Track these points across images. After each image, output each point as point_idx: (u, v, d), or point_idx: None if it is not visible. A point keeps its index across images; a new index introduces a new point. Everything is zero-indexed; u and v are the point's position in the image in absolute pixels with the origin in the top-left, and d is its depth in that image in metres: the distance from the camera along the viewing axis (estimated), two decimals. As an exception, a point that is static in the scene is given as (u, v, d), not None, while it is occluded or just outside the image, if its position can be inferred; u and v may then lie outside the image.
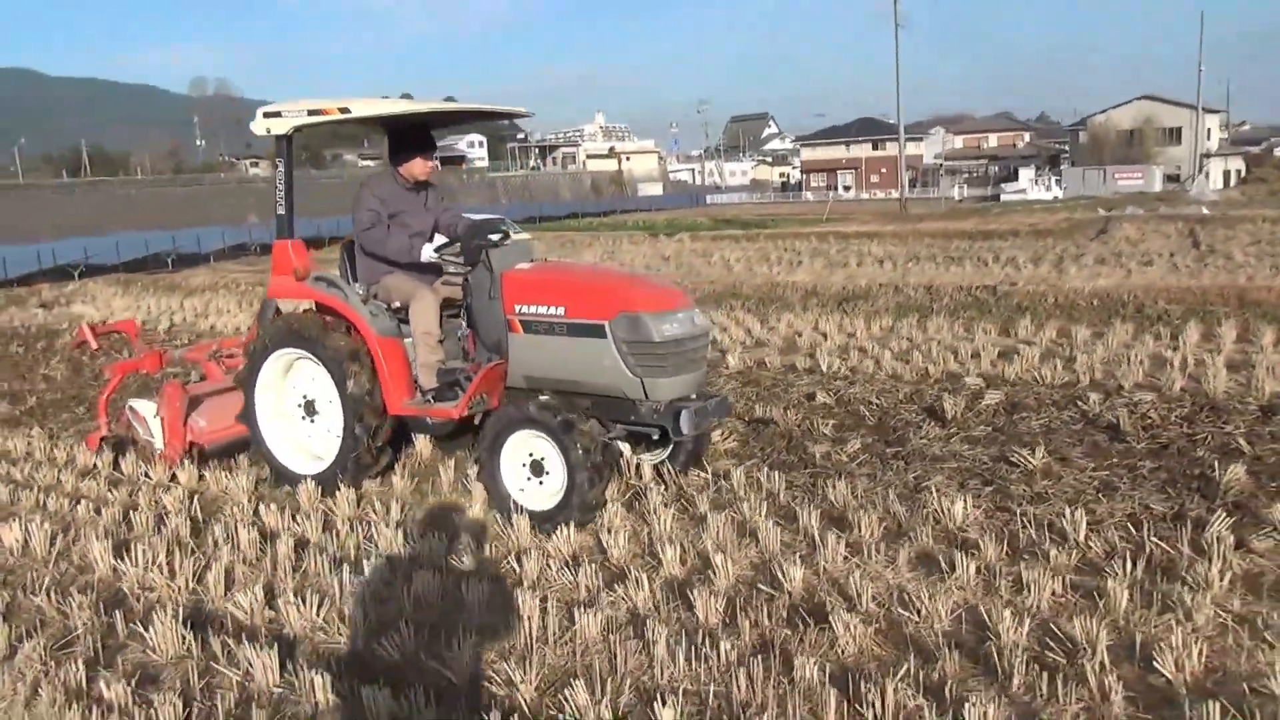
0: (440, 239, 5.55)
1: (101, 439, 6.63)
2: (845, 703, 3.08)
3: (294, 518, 5.10)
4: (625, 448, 5.51)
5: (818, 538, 4.35)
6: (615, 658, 3.44)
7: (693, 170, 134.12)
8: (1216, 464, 4.98)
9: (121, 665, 3.59)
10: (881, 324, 10.09)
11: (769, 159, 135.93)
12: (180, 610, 3.95)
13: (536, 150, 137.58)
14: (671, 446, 5.45)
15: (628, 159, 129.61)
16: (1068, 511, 4.42)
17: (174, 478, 5.91)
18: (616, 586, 4.02)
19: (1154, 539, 4.18)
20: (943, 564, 4.04)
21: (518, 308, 5.01)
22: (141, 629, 3.80)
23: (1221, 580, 3.72)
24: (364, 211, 5.50)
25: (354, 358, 5.33)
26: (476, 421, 5.34)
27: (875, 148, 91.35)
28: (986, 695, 3.08)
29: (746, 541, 4.45)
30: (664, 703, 3.01)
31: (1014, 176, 76.10)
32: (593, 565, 4.22)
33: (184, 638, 3.73)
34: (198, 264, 31.50)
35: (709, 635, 3.55)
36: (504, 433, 4.91)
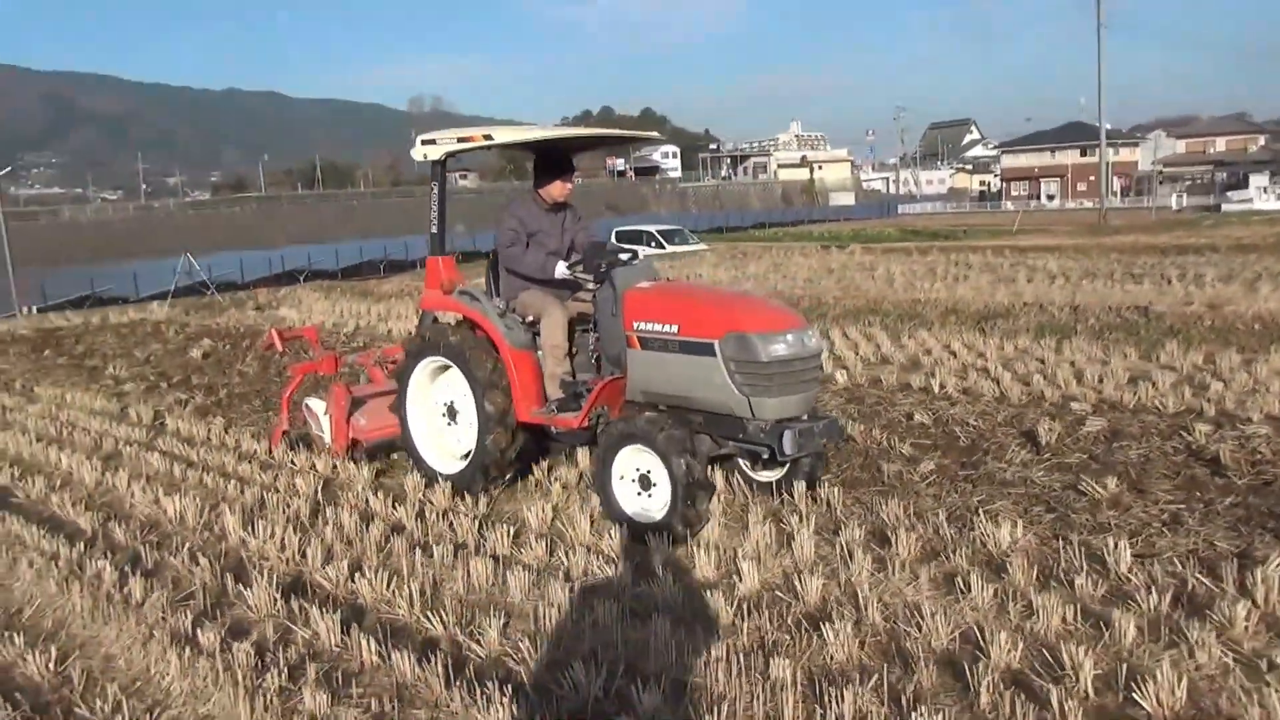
0: (575, 256, 5.89)
1: (284, 433, 7.30)
2: (806, 701, 3.30)
3: (394, 505, 5.73)
4: (745, 465, 5.66)
5: (850, 552, 4.52)
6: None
7: (887, 179, 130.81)
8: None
9: (221, 619, 4.26)
10: (1017, 344, 9.83)
11: (968, 167, 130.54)
12: (279, 577, 4.63)
13: (728, 160, 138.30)
14: (787, 466, 5.46)
15: (819, 168, 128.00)
16: (1111, 542, 4.38)
17: (313, 465, 6.71)
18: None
19: (1198, 575, 4.09)
20: (966, 585, 4.12)
21: (636, 324, 5.21)
22: (246, 590, 4.49)
23: (1247, 620, 3.64)
24: (506, 231, 5.87)
25: (489, 369, 5.65)
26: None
27: (1083, 154, 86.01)
28: (948, 711, 3.21)
29: (784, 551, 4.67)
30: None
31: (1243, 184, 69.70)
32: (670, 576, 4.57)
33: (275, 600, 4.39)
34: (405, 270, 33.89)
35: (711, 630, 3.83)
36: (614, 447, 5.11)
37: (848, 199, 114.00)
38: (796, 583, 4.21)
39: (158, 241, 56.32)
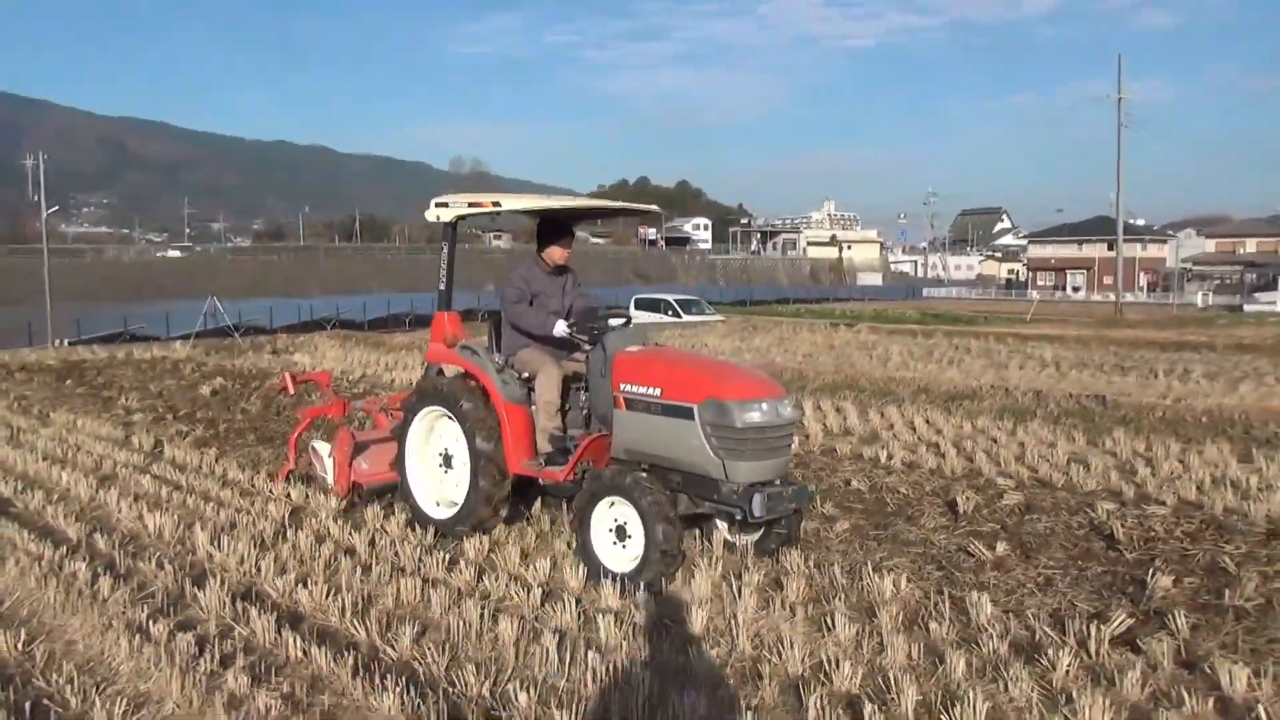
0: (574, 319, 6.15)
1: (289, 471, 7.62)
2: (662, 702, 3.77)
3: (351, 532, 6.27)
4: (723, 526, 5.91)
5: (740, 592, 4.99)
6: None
7: (915, 262, 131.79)
8: (1151, 574, 5.17)
9: (173, 615, 4.80)
10: (976, 424, 10.29)
11: (998, 254, 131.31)
12: (233, 585, 5.18)
13: (759, 235, 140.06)
14: (762, 529, 5.70)
15: (849, 248, 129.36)
16: (975, 596, 4.83)
17: (287, 495, 7.28)
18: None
19: (1046, 628, 4.54)
20: (832, 624, 4.58)
21: (623, 386, 5.47)
22: (199, 591, 5.03)
23: (1069, 666, 4.07)
24: (512, 289, 6.25)
25: (483, 420, 5.92)
26: None
27: (1109, 248, 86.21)
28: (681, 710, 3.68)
29: (685, 586, 5.16)
30: None
31: (1272, 285, 69.74)
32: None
33: (225, 603, 4.92)
34: (429, 325, 34.68)
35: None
36: (592, 499, 5.40)
37: (875, 279, 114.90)
38: (685, 613, 4.69)
39: (194, 284, 57.96)
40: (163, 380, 14.64)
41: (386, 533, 6.29)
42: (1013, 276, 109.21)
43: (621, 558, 5.29)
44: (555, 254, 6.38)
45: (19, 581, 5.40)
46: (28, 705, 3.85)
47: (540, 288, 6.32)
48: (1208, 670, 4.06)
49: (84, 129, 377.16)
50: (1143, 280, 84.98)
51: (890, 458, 8.54)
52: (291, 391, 8.80)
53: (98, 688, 4.02)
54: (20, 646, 4.47)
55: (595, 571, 5.32)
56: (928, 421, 10.44)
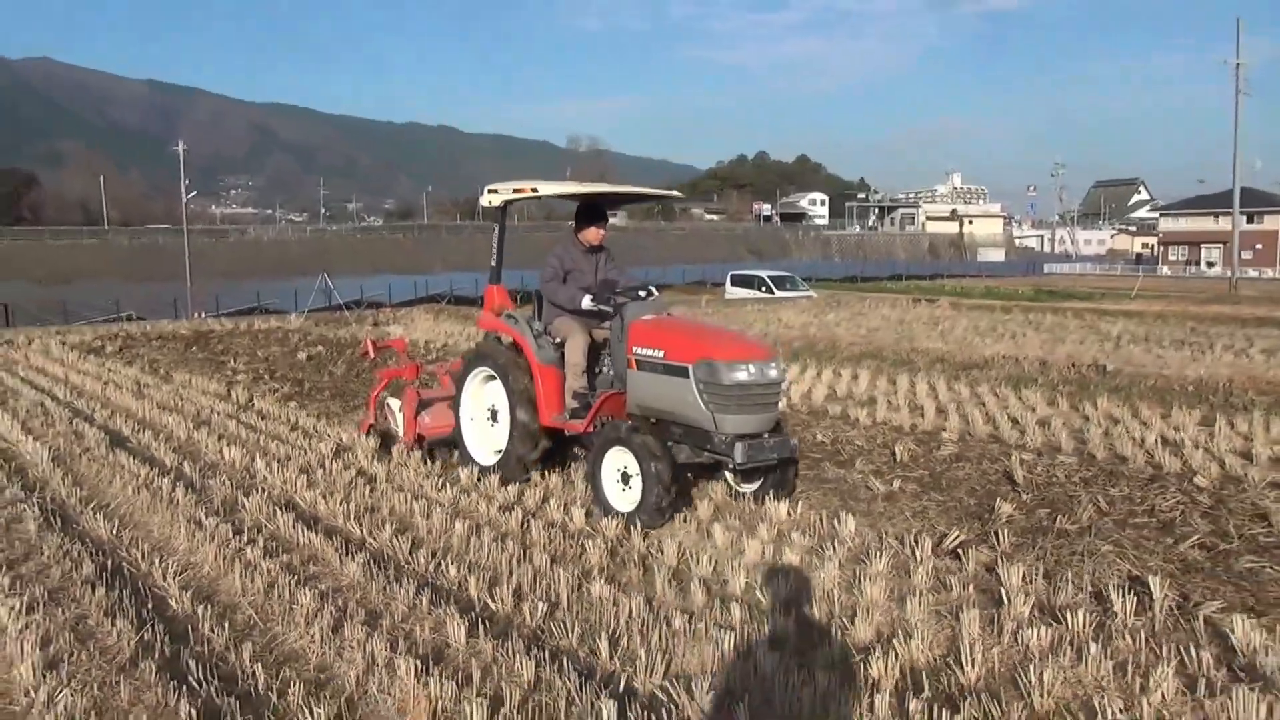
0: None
1: (370, 425, 8.56)
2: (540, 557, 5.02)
3: (375, 463, 7.72)
4: (730, 478, 6.70)
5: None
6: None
7: (1042, 236, 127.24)
8: (999, 501, 6.10)
9: (224, 515, 6.32)
10: (974, 389, 11.05)
11: (1133, 228, 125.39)
12: (274, 497, 6.69)
13: (875, 210, 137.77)
14: (761, 478, 6.40)
15: (970, 222, 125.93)
16: (843, 516, 5.87)
17: (340, 438, 8.80)
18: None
19: (892, 540, 5.55)
20: (709, 533, 5.71)
21: (635, 349, 6.19)
22: (245, 500, 6.55)
23: (892, 563, 5.10)
24: (548, 268, 6.97)
25: (522, 379, 6.77)
26: None
27: (1250, 220, 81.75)
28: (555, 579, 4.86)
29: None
30: None
31: None
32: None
33: (263, 508, 6.42)
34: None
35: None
36: (601, 448, 6.17)
37: (997, 255, 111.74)
38: (600, 523, 5.91)
39: (324, 263, 61.74)
40: (269, 347, 16.67)
41: (406, 466, 7.71)
42: (1146, 251, 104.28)
43: (625, 499, 6.03)
44: (591, 235, 7.09)
45: (121, 492, 7.05)
46: (109, 565, 5.38)
47: (574, 265, 7.03)
48: (998, 574, 5.01)
49: (234, 115, 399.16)
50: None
51: (871, 416, 9.48)
52: (373, 355, 10.13)
53: (160, 557, 5.52)
54: (115, 532, 6.05)
55: (605, 511, 6.06)
56: (931, 387, 11.26)
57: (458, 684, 3.76)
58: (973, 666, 3.90)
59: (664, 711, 3.55)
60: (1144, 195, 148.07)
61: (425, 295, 44.59)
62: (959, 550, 5.40)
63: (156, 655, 4.12)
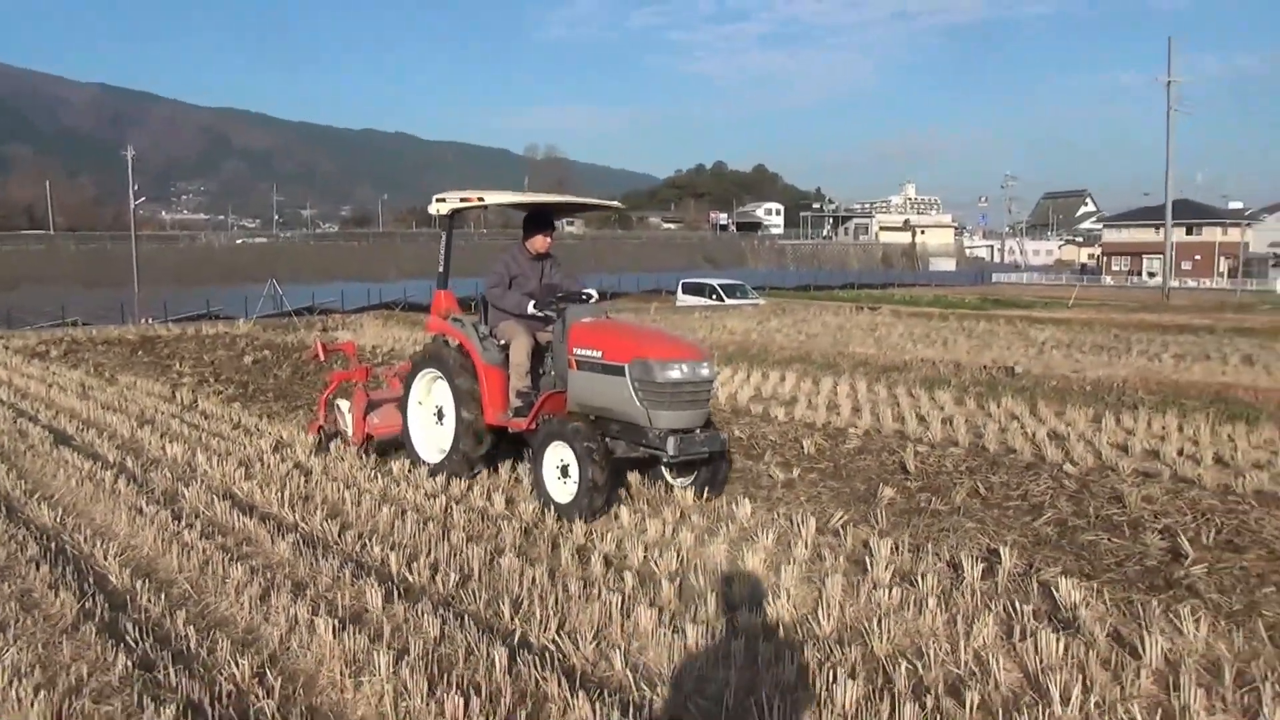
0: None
1: (320, 428, 8.70)
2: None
3: (311, 457, 8.13)
4: (667, 473, 7.05)
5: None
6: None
7: (992, 247, 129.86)
8: (882, 486, 6.69)
9: (163, 504, 6.70)
10: (892, 390, 11.70)
11: (1079, 239, 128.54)
12: (213, 488, 7.08)
13: (830, 220, 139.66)
14: (695, 473, 6.72)
15: (922, 232, 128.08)
16: (741, 499, 6.41)
17: (279, 435, 9.18)
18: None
19: (787, 520, 6.10)
20: (618, 513, 6.22)
21: (575, 350, 6.50)
22: (185, 490, 6.94)
23: (770, 538, 5.64)
24: (493, 274, 7.25)
25: (467, 380, 7.02)
26: None
27: (1189, 232, 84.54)
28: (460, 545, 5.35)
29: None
30: None
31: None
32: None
33: (201, 496, 6.81)
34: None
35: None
36: (542, 444, 6.46)
37: (949, 264, 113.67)
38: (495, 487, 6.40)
39: (275, 270, 61.32)
40: (216, 352, 16.93)
41: (342, 460, 8.13)
42: (1091, 262, 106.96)
43: (564, 491, 6.30)
44: (537, 243, 7.38)
45: (66, 484, 7.40)
46: (53, 547, 5.75)
47: (520, 271, 7.32)
48: (870, 547, 5.56)
49: (187, 119, 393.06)
50: (1223, 265, 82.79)
51: (788, 413, 10.06)
52: (323, 358, 10.44)
53: (101, 540, 5.89)
54: (59, 519, 6.41)
55: (545, 503, 6.35)
56: (852, 388, 11.89)
57: (369, 639, 4.22)
58: (829, 620, 4.45)
59: (551, 659, 4.04)
60: (1091, 207, 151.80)
61: (379, 302, 44.64)
62: (840, 528, 5.97)
63: (96, 620, 4.53)
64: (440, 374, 7.41)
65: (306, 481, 7.31)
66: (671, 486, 6.91)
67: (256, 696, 3.79)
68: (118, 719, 3.65)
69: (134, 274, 44.84)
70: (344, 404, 8.63)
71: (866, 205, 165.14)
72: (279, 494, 6.84)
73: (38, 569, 5.25)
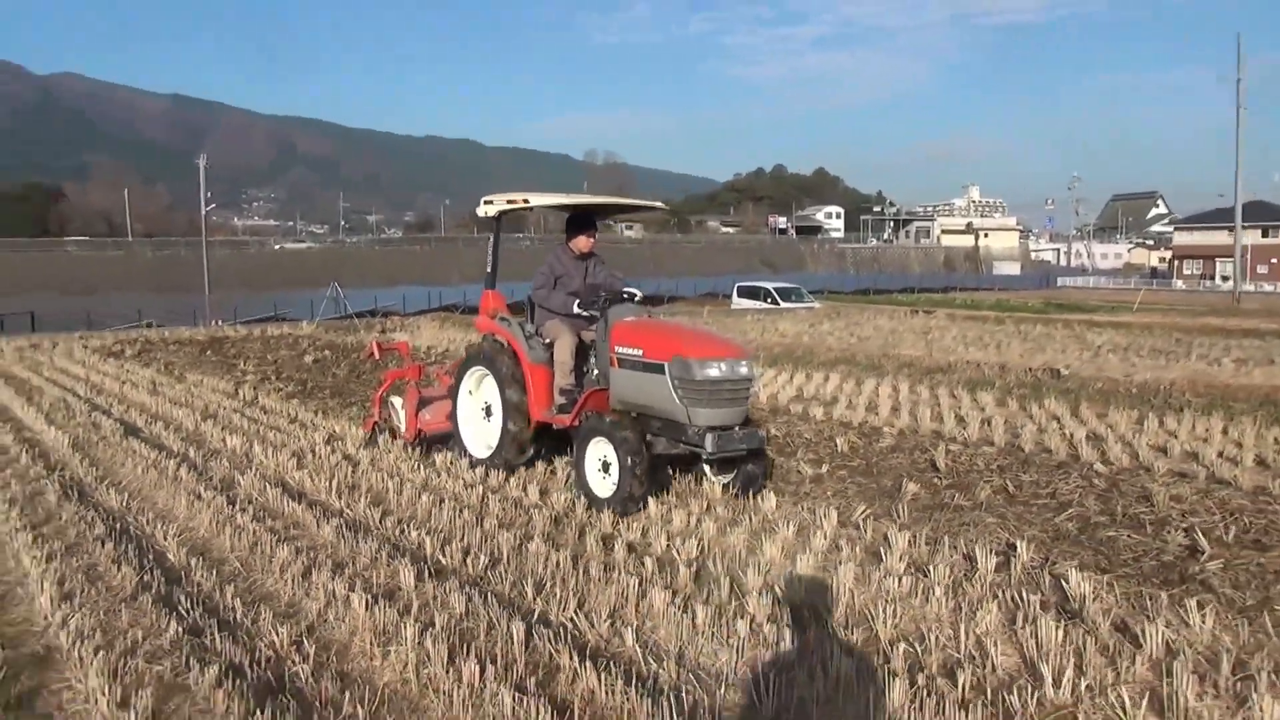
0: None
1: (375, 424, 9.05)
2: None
3: (360, 450, 8.49)
4: (708, 469, 7.19)
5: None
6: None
7: (1058, 250, 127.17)
8: (905, 482, 6.79)
9: (221, 490, 7.10)
10: (934, 391, 11.72)
11: (1150, 242, 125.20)
12: (267, 476, 7.47)
13: (891, 223, 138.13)
14: (735, 471, 6.81)
15: (985, 235, 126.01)
16: (768, 493, 6.59)
17: (332, 430, 9.58)
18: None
19: (809, 511, 6.26)
20: (667, 507, 6.44)
21: (617, 348, 6.64)
22: (241, 478, 7.34)
23: (796, 532, 5.81)
24: (539, 275, 7.47)
25: (513, 377, 7.23)
26: None
27: (1265, 234, 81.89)
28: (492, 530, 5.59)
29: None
30: None
31: None
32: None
33: (256, 484, 7.20)
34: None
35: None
36: (584, 439, 6.63)
37: (1013, 268, 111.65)
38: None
39: (341, 274, 62.85)
40: (279, 352, 17.56)
41: (390, 452, 8.48)
42: (1162, 265, 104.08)
43: (604, 485, 6.47)
44: (581, 243, 7.58)
45: (133, 471, 7.86)
46: (118, 527, 6.17)
47: (564, 271, 7.50)
48: (889, 539, 5.69)
49: (256, 128, 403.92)
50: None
51: (826, 412, 10.18)
52: (377, 357, 10.88)
53: (162, 523, 6.30)
54: (125, 503, 6.84)
55: (586, 497, 6.52)
56: (894, 389, 11.94)
57: (399, 613, 4.51)
58: (839, 607, 4.62)
59: (567, 634, 4.29)
60: (1162, 209, 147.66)
61: (439, 305, 45.51)
62: (860, 522, 6.10)
63: (153, 591, 4.90)
64: (488, 372, 7.60)
65: (354, 472, 7.67)
66: (701, 479, 7.09)
67: (293, 661, 4.09)
68: (167, 677, 3.97)
69: (205, 279, 46.29)
70: (397, 401, 8.92)
71: (929, 208, 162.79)
72: (328, 483, 7.20)
73: (103, 546, 5.65)
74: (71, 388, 13.04)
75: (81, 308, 40.40)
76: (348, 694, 3.77)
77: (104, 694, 3.70)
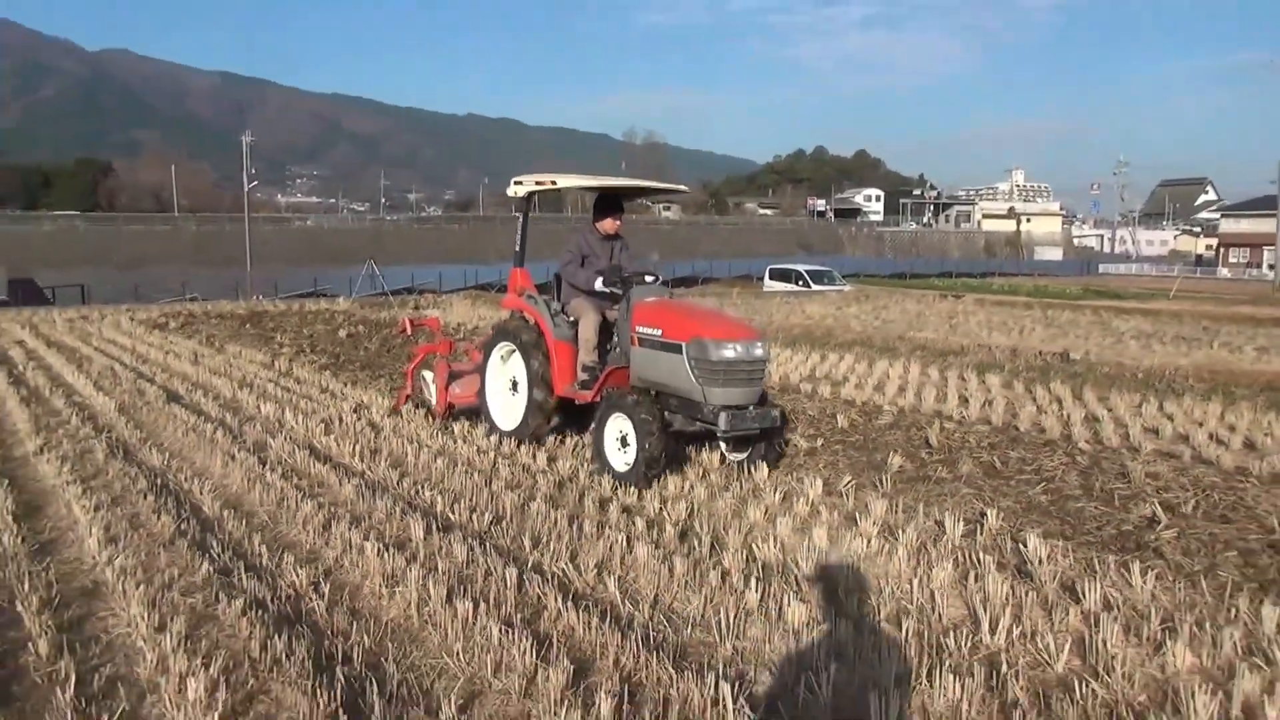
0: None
1: (407, 397, 9.38)
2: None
3: (383, 419, 9.01)
4: (723, 447, 7.47)
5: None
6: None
7: (1101, 236, 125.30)
8: (891, 455, 7.15)
9: (254, 451, 7.64)
10: (944, 373, 12.01)
11: (1197, 229, 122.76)
12: (296, 440, 8.01)
13: (931, 207, 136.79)
14: (749, 449, 7.07)
15: (1028, 220, 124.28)
16: (759, 462, 6.98)
17: (360, 399, 10.12)
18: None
19: (792, 482, 6.65)
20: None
21: (638, 327, 6.86)
22: (272, 441, 7.89)
23: (781, 501, 6.21)
24: (566, 253, 7.78)
25: (538, 352, 7.52)
26: None
27: (1317, 222, 79.82)
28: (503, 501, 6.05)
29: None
30: None
31: None
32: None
33: (286, 447, 7.74)
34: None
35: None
36: (604, 415, 6.85)
37: (1055, 254, 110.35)
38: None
39: (381, 251, 63.81)
40: (315, 326, 18.21)
41: (412, 421, 8.99)
42: (1209, 253, 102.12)
43: (622, 459, 6.68)
44: (607, 225, 7.84)
45: (173, 434, 8.45)
46: (159, 482, 6.73)
47: (590, 251, 7.78)
48: (867, 504, 6.07)
49: (301, 106, 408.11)
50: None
51: (833, 391, 10.53)
52: (409, 332, 11.36)
53: (199, 479, 6.85)
54: (166, 462, 7.41)
55: (604, 470, 6.76)
56: (905, 370, 12.25)
57: (406, 560, 4.98)
58: (808, 563, 5.02)
59: (556, 581, 4.74)
60: (1211, 195, 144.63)
61: (475, 284, 46.16)
62: (844, 491, 6.49)
63: (188, 538, 5.43)
64: (515, 347, 7.87)
65: (377, 437, 8.18)
66: (701, 449, 7.50)
67: (309, 599, 4.59)
68: (199, 608, 4.48)
69: (247, 254, 47.40)
70: (428, 375, 9.30)
71: (972, 192, 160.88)
72: (352, 447, 7.72)
73: (145, 498, 6.21)
74: (118, 357, 13.74)
75: (129, 281, 41.66)
76: (355, 625, 4.25)
77: (143, 620, 4.21)
